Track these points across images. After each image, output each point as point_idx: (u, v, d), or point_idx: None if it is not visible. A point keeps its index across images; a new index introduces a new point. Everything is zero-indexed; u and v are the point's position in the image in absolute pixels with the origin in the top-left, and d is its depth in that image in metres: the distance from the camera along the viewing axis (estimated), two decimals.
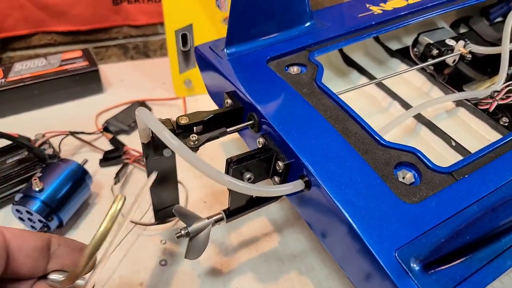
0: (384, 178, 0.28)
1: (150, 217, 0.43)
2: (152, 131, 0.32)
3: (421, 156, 0.30)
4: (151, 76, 0.65)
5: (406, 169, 0.30)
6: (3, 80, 0.53)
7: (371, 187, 0.28)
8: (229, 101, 0.36)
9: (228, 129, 0.33)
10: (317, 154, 0.29)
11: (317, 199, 0.29)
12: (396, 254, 0.25)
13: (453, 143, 0.38)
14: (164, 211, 0.41)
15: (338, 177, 0.28)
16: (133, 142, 0.52)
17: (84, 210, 0.44)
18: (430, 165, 0.30)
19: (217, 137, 0.33)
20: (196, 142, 0.31)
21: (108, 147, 0.51)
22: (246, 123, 0.34)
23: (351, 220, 0.26)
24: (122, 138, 0.53)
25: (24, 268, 0.24)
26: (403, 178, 0.29)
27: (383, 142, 0.31)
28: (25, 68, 0.55)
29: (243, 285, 0.39)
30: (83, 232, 0.42)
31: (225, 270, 0.40)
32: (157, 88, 0.63)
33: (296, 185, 0.29)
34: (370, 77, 0.47)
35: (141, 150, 0.49)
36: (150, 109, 0.57)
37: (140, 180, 0.48)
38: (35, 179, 0.38)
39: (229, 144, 0.54)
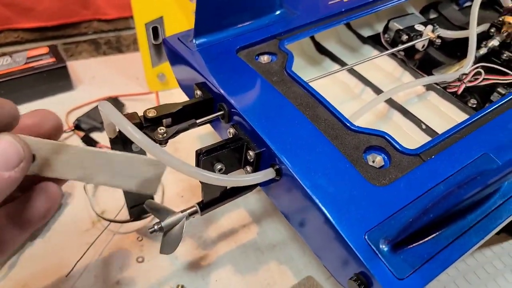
0: (353, 163, 0.29)
1: (125, 214, 0.42)
2: None
3: (390, 140, 0.30)
4: (124, 72, 0.64)
5: (376, 153, 0.30)
6: None
7: (340, 172, 0.28)
8: (198, 92, 0.35)
9: (198, 121, 0.32)
10: (287, 142, 0.29)
11: (289, 187, 0.29)
12: (366, 237, 0.25)
13: (424, 126, 0.39)
14: (139, 207, 0.40)
15: (308, 163, 0.28)
16: (106, 140, 0.50)
17: (57, 211, 0.43)
18: (399, 147, 0.30)
19: (186, 129, 0.32)
20: (165, 135, 0.30)
21: (81, 145, 0.50)
22: (216, 114, 0.33)
23: (321, 205, 0.26)
24: (95, 135, 0.52)
25: None
26: (373, 162, 0.29)
27: (352, 127, 0.31)
28: None
29: (222, 277, 0.38)
30: (56, 234, 0.41)
31: (204, 263, 0.39)
32: (131, 83, 0.62)
33: (267, 174, 0.28)
34: (343, 64, 0.47)
35: None
36: (123, 105, 0.56)
37: None
38: None
39: (207, 137, 0.53)
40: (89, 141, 0.50)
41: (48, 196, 0.24)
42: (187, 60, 0.37)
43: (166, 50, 0.41)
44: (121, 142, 0.32)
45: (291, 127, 0.30)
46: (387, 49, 0.47)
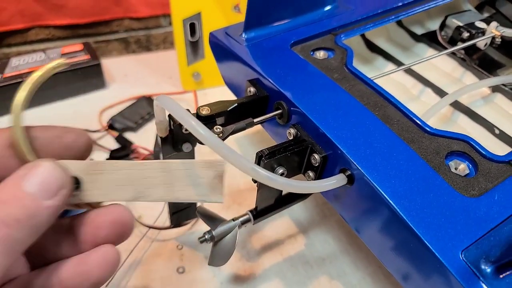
0: (436, 170, 0.25)
1: (164, 220, 0.39)
2: (171, 123, 0.28)
3: (474, 144, 0.27)
4: (156, 70, 0.62)
5: (459, 159, 0.26)
6: None
7: (424, 179, 0.24)
8: (252, 89, 0.33)
9: (255, 120, 0.29)
10: (359, 144, 0.26)
11: (362, 195, 0.26)
12: (462, 256, 0.21)
13: (497, 131, 0.35)
14: (180, 213, 0.37)
15: (386, 169, 0.25)
16: (141, 140, 0.48)
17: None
18: (485, 153, 0.26)
19: (243, 128, 0.29)
20: (221, 134, 0.27)
21: (114, 145, 0.47)
22: (274, 113, 0.30)
23: (406, 219, 0.22)
24: (128, 135, 0.49)
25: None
26: (456, 169, 0.26)
27: (429, 130, 0.27)
28: (23, 63, 0.52)
29: None
30: None
31: (249, 276, 0.36)
32: (163, 82, 0.59)
33: (339, 180, 0.25)
34: (397, 63, 0.44)
35: (150, 148, 0.46)
36: None
37: None
38: None
39: (243, 140, 0.50)
40: (123, 142, 0.47)
41: (106, 260, 0.21)
42: (238, 55, 0.34)
43: (212, 45, 0.39)
44: (171, 141, 0.30)
45: (361, 128, 0.27)
46: (443, 47, 0.44)
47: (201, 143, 0.29)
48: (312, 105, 0.29)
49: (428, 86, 0.40)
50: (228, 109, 0.30)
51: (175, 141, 0.30)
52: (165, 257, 0.37)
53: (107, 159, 0.45)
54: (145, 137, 0.48)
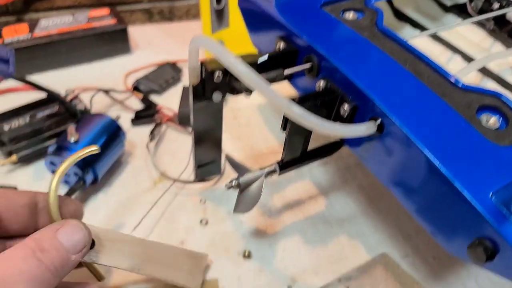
0: (468, 120, 0.25)
1: (188, 175, 0.40)
2: (202, 71, 0.29)
3: (505, 100, 0.27)
4: (179, 39, 0.62)
5: (490, 113, 0.26)
6: (29, 35, 0.51)
7: (456, 128, 0.25)
8: (282, 45, 0.33)
9: (285, 71, 0.30)
10: (389, 93, 0.26)
11: (391, 143, 0.26)
12: (492, 197, 0.22)
13: None
14: (204, 168, 0.38)
15: (417, 118, 0.25)
16: (165, 102, 0.49)
17: (117, 168, 0.41)
18: None
19: (274, 79, 0.30)
20: None
21: (139, 107, 0.48)
22: (304, 66, 0.31)
23: (438, 162, 0.23)
24: (153, 98, 0.50)
25: (14, 226, 0.24)
26: (487, 122, 0.26)
27: (460, 85, 0.28)
28: (52, 24, 0.53)
29: (290, 247, 0.36)
30: (118, 190, 0.39)
31: (270, 231, 0.37)
32: (186, 50, 0.59)
33: (369, 127, 0.26)
34: (425, 31, 0.43)
35: (175, 109, 0.47)
36: (180, 70, 0.54)
37: (174, 140, 0.45)
38: (70, 130, 0.36)
39: (266, 108, 0.51)
40: (148, 102, 0.48)
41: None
42: (269, 14, 0.35)
43: (242, 5, 0.39)
44: (202, 90, 0.30)
45: (392, 79, 0.27)
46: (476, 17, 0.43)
47: (232, 92, 0.30)
48: (342, 58, 0.29)
49: (457, 53, 0.40)
50: (259, 62, 0.30)
51: (206, 90, 0.30)
52: (189, 209, 0.38)
53: (132, 119, 0.46)
54: (170, 99, 0.49)
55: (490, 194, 0.22)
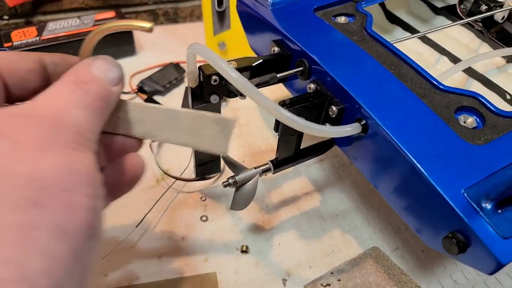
0: (445, 121, 0.27)
1: (189, 173, 0.42)
2: (200, 75, 0.31)
3: (483, 100, 0.29)
4: (183, 40, 0.64)
5: (468, 114, 0.28)
6: (37, 38, 0.53)
7: (433, 128, 0.27)
8: (276, 49, 0.35)
9: (278, 75, 0.32)
10: (374, 96, 0.28)
11: (376, 143, 0.28)
12: (465, 194, 0.23)
13: (508, 97, 0.36)
14: (205, 166, 0.40)
15: (398, 118, 0.27)
16: (168, 103, 0.51)
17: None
18: (493, 109, 0.28)
19: (267, 82, 0.32)
20: None
21: None
22: (296, 69, 0.33)
23: (415, 161, 0.25)
24: (157, 99, 0.52)
25: (22, 92, 0.22)
26: (464, 122, 0.28)
27: (441, 87, 0.29)
28: (59, 27, 0.55)
29: (286, 241, 0.38)
30: None
31: (267, 226, 0.39)
32: None
33: (354, 128, 0.27)
34: (415, 33, 0.45)
35: None
36: (183, 71, 0.56)
37: None
38: None
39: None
40: (152, 103, 0.50)
41: (134, 165, 0.24)
42: (265, 18, 0.36)
43: (239, 9, 0.41)
44: (200, 93, 0.32)
45: (377, 82, 0.29)
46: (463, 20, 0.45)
47: (228, 95, 0.32)
48: (331, 62, 0.31)
49: (445, 54, 0.42)
50: (254, 64, 0.32)
51: (204, 93, 0.32)
52: (190, 206, 0.40)
53: None
54: (173, 100, 0.51)
55: (463, 191, 0.24)
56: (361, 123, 0.28)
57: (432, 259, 0.37)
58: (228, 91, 0.32)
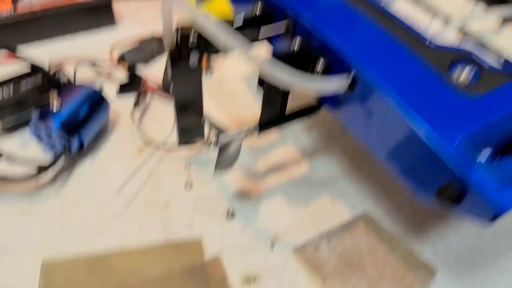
0: (439, 73, 0.26)
1: (171, 143, 0.41)
2: (177, 38, 0.29)
3: (477, 56, 0.27)
4: None
5: (462, 66, 0.27)
6: (11, 12, 0.50)
7: (427, 80, 0.25)
8: (259, 6, 0.33)
9: (261, 28, 0.30)
10: (363, 49, 0.27)
11: (366, 97, 0.26)
12: (460, 142, 0.22)
13: (502, 60, 0.35)
14: (187, 132, 0.38)
15: (389, 71, 0.26)
16: (151, 73, 0.49)
17: (103, 137, 0.42)
18: (486, 65, 0.27)
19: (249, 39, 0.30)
20: None
21: (125, 79, 0.48)
22: (280, 23, 0.31)
23: (408, 110, 0.23)
24: (139, 69, 0.50)
25: None
26: (459, 75, 0.27)
27: (434, 44, 0.28)
28: None
29: (273, 207, 0.37)
30: (104, 157, 0.40)
31: (254, 193, 0.38)
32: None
33: (342, 79, 0.26)
34: None
35: (160, 81, 0.47)
36: None
37: (159, 110, 0.46)
38: (52, 96, 0.36)
39: (252, 78, 0.51)
40: (133, 74, 0.48)
41: None
42: None
43: None
44: (178, 55, 0.30)
45: (365, 36, 0.28)
46: None
47: (208, 52, 0.30)
48: (317, 17, 0.29)
49: (438, 15, 0.40)
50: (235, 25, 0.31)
51: (182, 53, 0.30)
52: (174, 174, 0.39)
53: (118, 88, 0.46)
54: (155, 71, 0.50)
55: (458, 140, 0.22)
56: (349, 76, 0.26)
57: (423, 223, 0.36)
58: (207, 49, 0.31)
